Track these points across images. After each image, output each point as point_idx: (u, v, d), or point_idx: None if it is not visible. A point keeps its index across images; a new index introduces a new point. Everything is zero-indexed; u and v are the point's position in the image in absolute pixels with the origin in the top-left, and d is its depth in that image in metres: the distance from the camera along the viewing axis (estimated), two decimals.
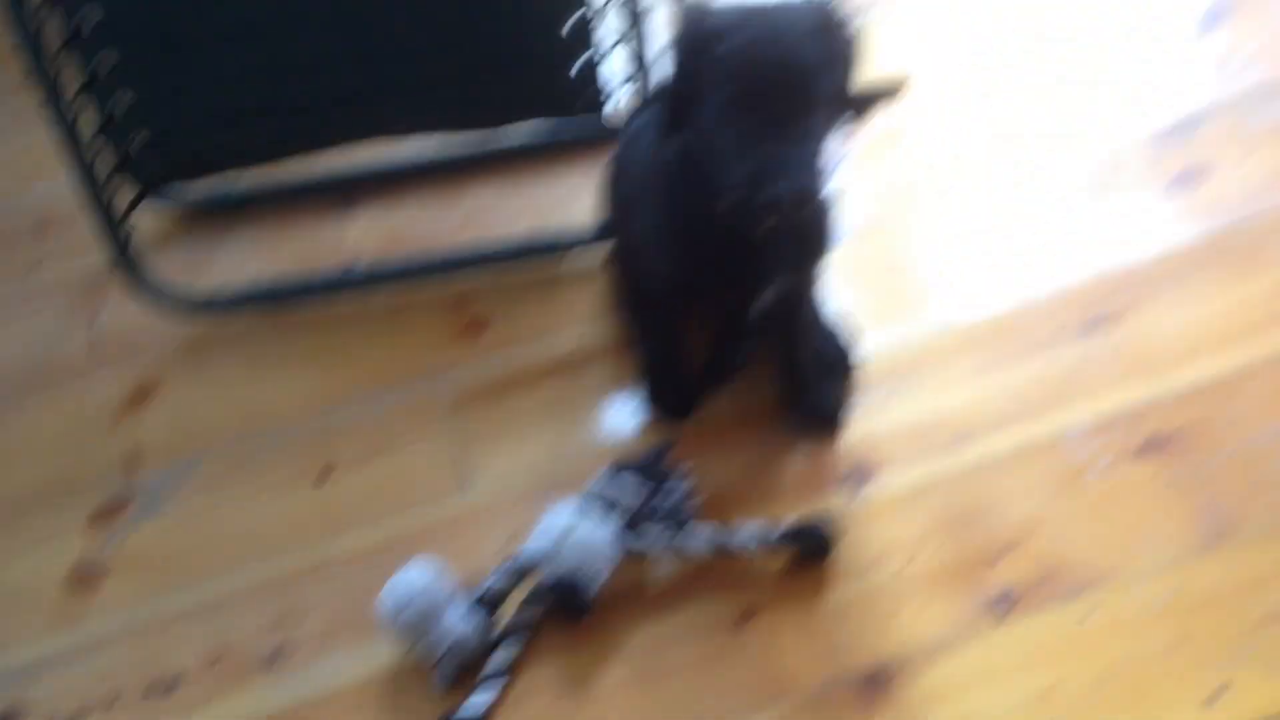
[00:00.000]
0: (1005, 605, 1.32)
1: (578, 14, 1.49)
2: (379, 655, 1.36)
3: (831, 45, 1.19)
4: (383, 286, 1.67)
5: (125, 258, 1.63)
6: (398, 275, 1.67)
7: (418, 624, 1.32)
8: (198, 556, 1.48)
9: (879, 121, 1.74)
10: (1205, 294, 1.52)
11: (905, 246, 1.63)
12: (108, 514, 1.53)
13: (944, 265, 1.60)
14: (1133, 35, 1.80)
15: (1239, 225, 1.57)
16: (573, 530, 1.34)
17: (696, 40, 1.19)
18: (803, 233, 1.30)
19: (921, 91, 1.76)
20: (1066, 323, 1.52)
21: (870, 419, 1.48)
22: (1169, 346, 1.48)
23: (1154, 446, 1.40)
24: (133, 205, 1.62)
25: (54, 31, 1.47)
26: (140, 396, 1.63)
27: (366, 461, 1.53)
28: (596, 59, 1.53)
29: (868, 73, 1.24)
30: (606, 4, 1.51)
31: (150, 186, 1.61)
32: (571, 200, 1.70)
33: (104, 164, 1.57)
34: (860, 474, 1.44)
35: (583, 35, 1.51)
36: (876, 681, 1.29)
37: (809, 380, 1.47)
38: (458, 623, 1.33)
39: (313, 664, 1.38)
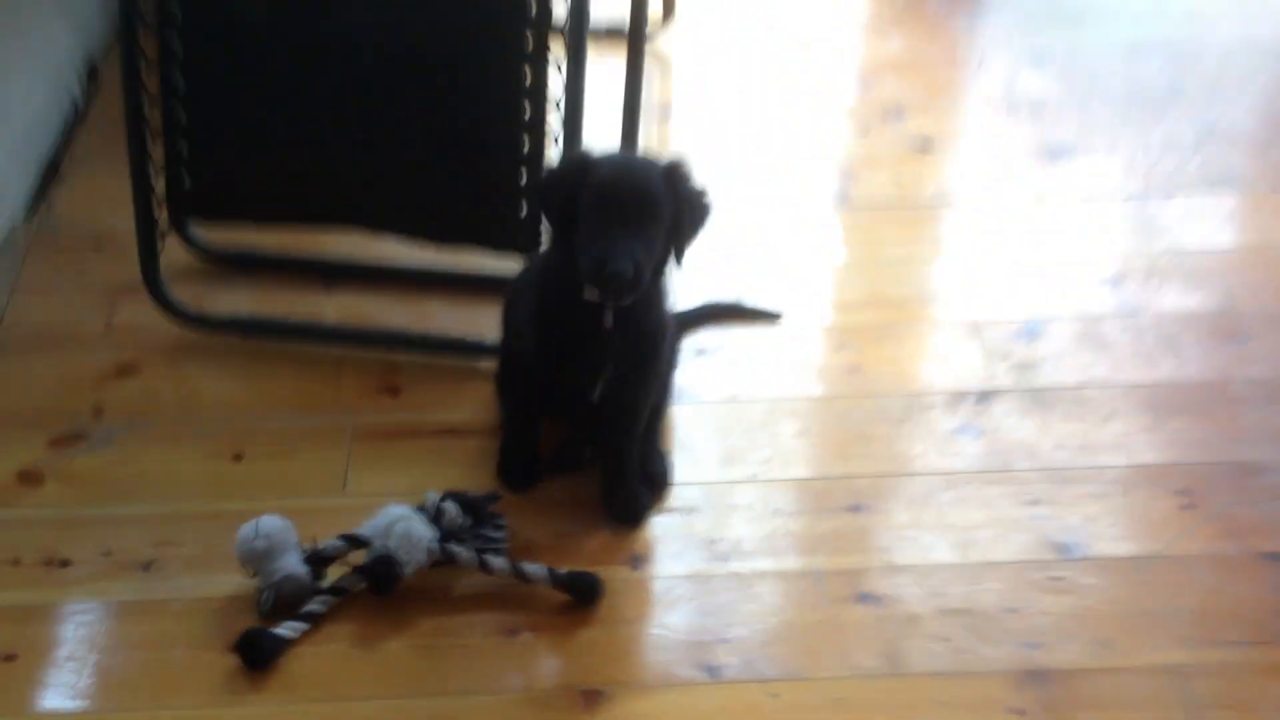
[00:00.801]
0: (715, 672, 1.67)
1: (532, 169, 1.99)
2: (226, 585, 1.73)
3: (672, 186, 1.69)
4: (333, 343, 2.13)
5: (152, 272, 2.11)
6: (345, 337, 2.14)
7: (262, 555, 1.69)
8: (119, 486, 1.90)
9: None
10: (946, 511, 1.91)
11: (739, 418, 2.06)
12: (65, 441, 1.96)
13: (768, 438, 2.02)
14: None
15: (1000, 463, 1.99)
16: (402, 521, 1.73)
17: (577, 169, 1.69)
18: (634, 327, 1.75)
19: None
20: (836, 502, 1.92)
21: (667, 525, 1.87)
22: (894, 537, 1.87)
23: (868, 600, 1.77)
24: (165, 232, 2.11)
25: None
26: (124, 371, 2.08)
27: (275, 456, 1.94)
28: (534, 220, 2.02)
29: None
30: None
31: (185, 218, 2.12)
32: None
33: (154, 199, 2.07)
34: (642, 559, 1.82)
35: (527, 199, 2.01)
36: (597, 697, 1.63)
37: (626, 483, 1.87)
38: (292, 565, 1.70)
39: (175, 577, 1.76)
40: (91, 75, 2.67)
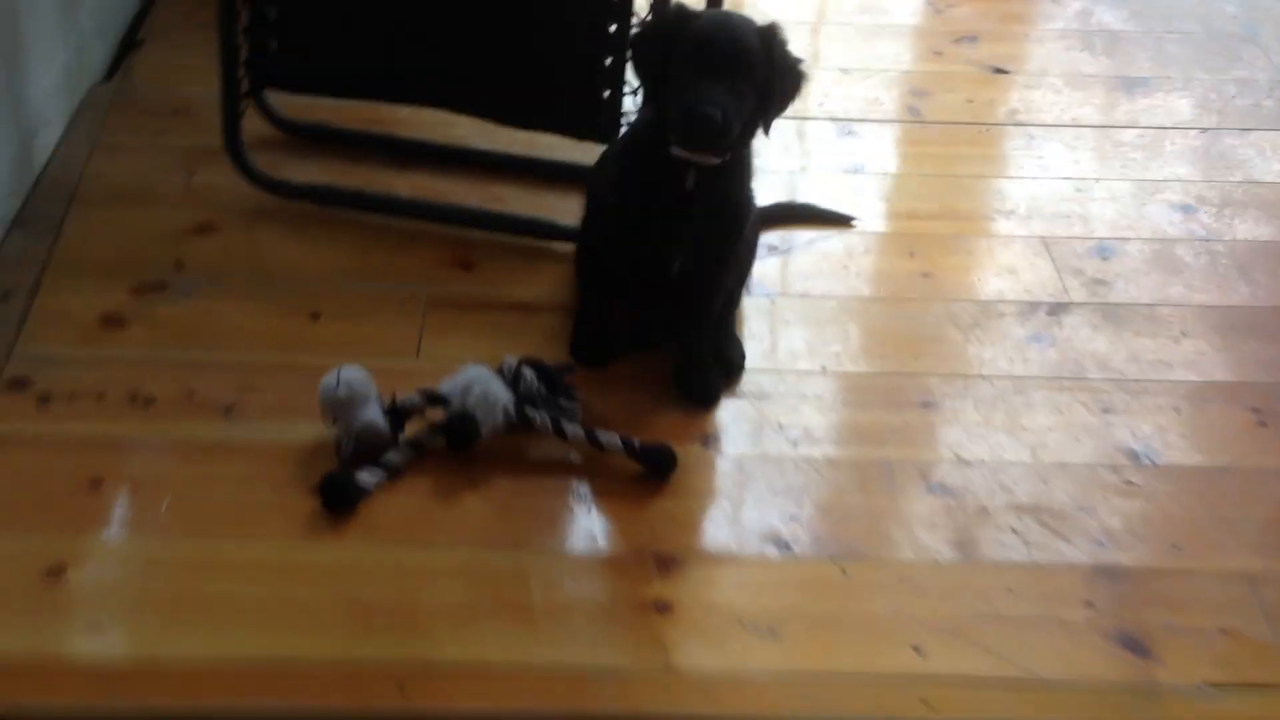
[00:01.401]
0: (786, 547, 1.68)
1: (615, 53, 1.97)
2: (306, 433, 1.74)
3: (768, 46, 1.68)
4: (407, 217, 2.12)
5: (233, 135, 2.10)
6: (420, 211, 2.13)
7: (344, 404, 1.70)
8: (200, 334, 1.92)
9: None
10: (1017, 413, 1.91)
11: (811, 313, 2.06)
12: (147, 289, 1.98)
13: (839, 333, 2.02)
14: None
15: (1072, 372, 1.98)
16: (481, 381, 1.73)
17: (674, 21, 1.69)
18: (717, 195, 1.75)
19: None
20: (906, 398, 1.92)
21: (739, 408, 1.87)
22: (965, 434, 1.87)
23: (938, 490, 1.77)
24: (248, 94, 2.11)
25: None
26: (203, 229, 2.10)
27: (350, 318, 1.95)
28: (621, 94, 2.01)
29: None
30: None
31: (266, 85, 2.12)
32: (572, 212, 2.12)
33: (239, 64, 2.06)
34: (713, 439, 1.83)
35: (616, 72, 1.99)
36: (670, 562, 1.64)
37: (700, 363, 1.87)
38: (372, 415, 1.71)
39: (256, 422, 1.79)
40: None
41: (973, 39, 2.76)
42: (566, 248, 2.08)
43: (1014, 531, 1.74)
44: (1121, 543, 1.73)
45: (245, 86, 2.09)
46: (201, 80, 2.19)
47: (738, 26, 1.69)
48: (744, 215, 1.82)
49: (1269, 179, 2.41)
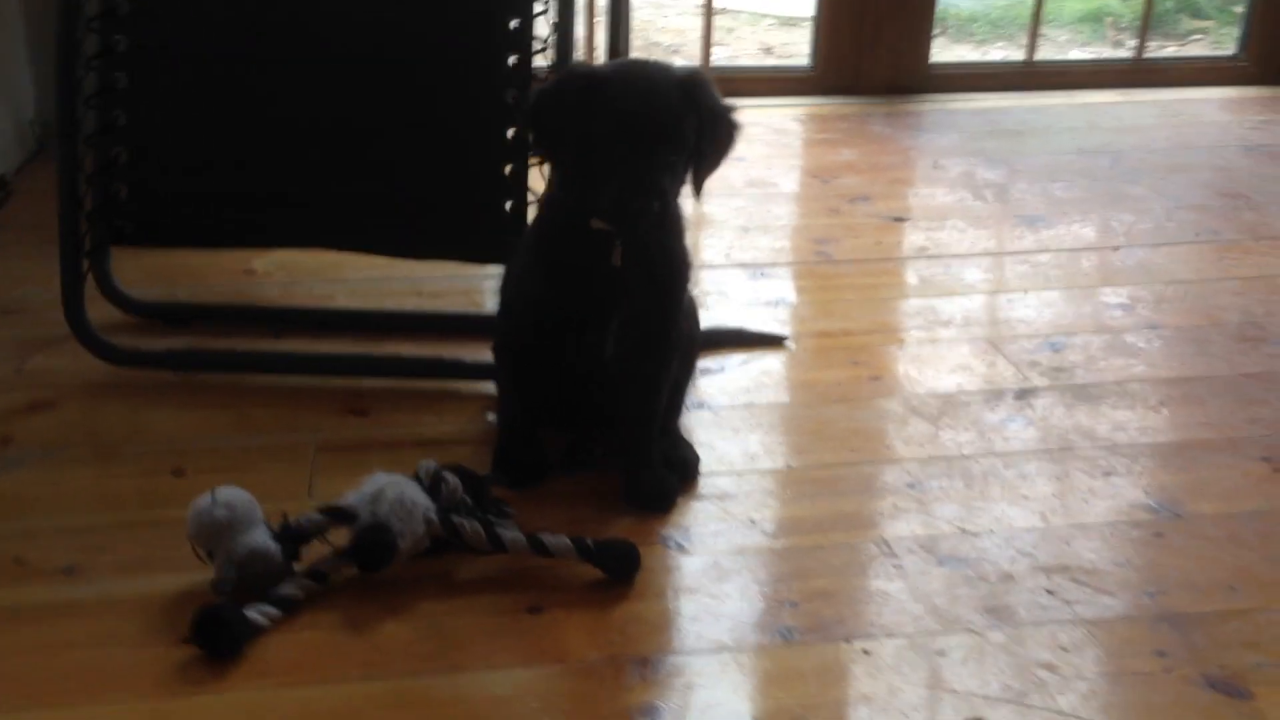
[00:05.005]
0: (789, 634, 1.36)
1: (517, 160, 1.79)
2: (169, 585, 1.41)
3: (692, 99, 1.46)
4: (288, 371, 1.84)
5: (75, 303, 1.82)
6: (303, 364, 1.85)
7: (222, 527, 1.36)
8: (32, 503, 1.57)
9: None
10: (1014, 485, 1.68)
11: (760, 420, 1.81)
12: None
13: (796, 435, 1.77)
14: None
15: (1061, 444, 1.78)
16: (394, 486, 1.42)
17: (584, 87, 1.45)
18: (649, 258, 1.51)
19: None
20: (890, 483, 1.66)
21: (700, 509, 1.59)
22: (964, 508, 1.62)
23: (950, 562, 1.50)
24: (94, 250, 1.85)
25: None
26: (37, 407, 1.77)
27: (224, 471, 1.60)
28: (525, 205, 1.82)
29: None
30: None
31: (116, 239, 1.85)
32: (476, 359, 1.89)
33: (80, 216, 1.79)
34: (678, 540, 1.52)
35: (517, 180, 1.80)
36: (648, 663, 1.32)
37: (651, 466, 1.59)
38: (259, 540, 1.37)
39: (105, 581, 1.43)
40: (1, 185, 2.47)
41: (865, 198, 2.68)
42: (474, 387, 1.83)
43: (1049, 592, 1.45)
44: (1171, 591, 1.47)
45: (89, 243, 1.83)
46: (39, 281, 1.95)
47: (658, 88, 1.46)
48: (680, 275, 1.58)
49: (1191, 278, 2.32)
